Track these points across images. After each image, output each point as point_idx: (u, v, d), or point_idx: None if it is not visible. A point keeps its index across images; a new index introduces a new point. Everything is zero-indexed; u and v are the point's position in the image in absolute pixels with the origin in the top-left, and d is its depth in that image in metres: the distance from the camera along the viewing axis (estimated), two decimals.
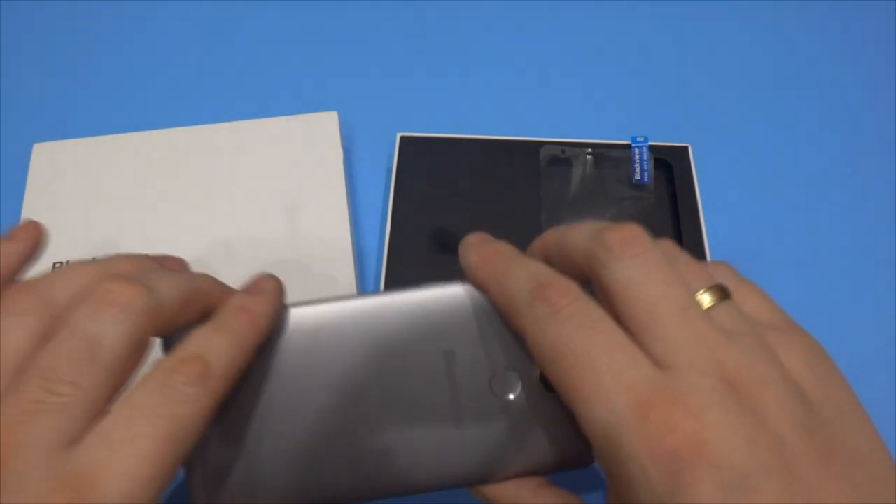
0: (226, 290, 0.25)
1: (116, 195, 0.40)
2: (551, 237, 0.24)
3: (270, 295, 0.24)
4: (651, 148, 0.42)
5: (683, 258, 0.22)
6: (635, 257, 0.20)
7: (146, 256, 0.25)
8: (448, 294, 0.24)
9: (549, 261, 0.24)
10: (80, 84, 0.49)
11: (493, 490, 0.24)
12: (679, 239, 0.39)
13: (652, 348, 0.19)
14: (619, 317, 0.20)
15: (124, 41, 0.51)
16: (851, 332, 0.39)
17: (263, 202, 0.40)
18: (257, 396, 0.24)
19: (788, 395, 0.18)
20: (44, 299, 0.21)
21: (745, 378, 0.18)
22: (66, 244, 0.38)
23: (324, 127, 0.42)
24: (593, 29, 0.52)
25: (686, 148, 0.42)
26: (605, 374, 0.19)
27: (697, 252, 0.39)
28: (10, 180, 0.42)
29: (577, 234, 0.22)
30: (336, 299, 0.25)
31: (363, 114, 0.47)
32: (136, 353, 0.21)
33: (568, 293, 0.20)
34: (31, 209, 0.39)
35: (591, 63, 0.50)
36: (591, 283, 0.22)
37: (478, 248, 0.24)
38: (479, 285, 0.24)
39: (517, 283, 0.22)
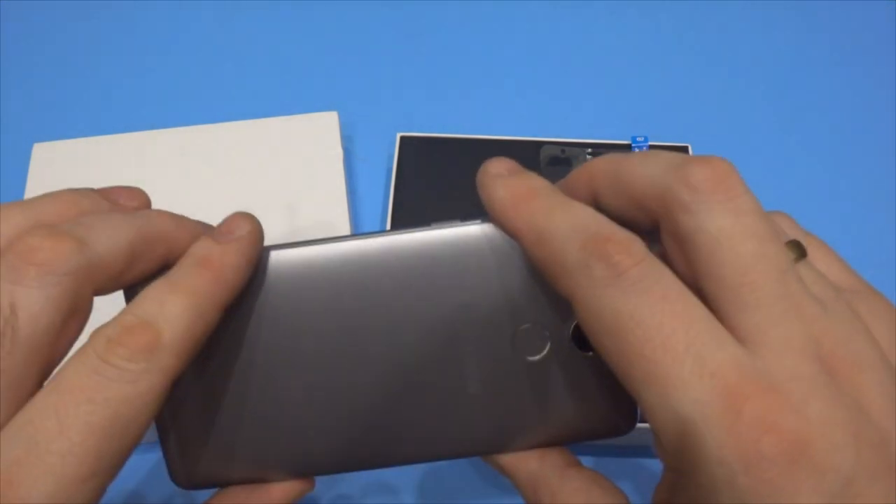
0: (192, 230, 0.20)
1: None
2: (602, 167, 0.20)
3: (243, 241, 0.19)
4: (651, 148, 0.42)
5: None
6: (729, 201, 0.17)
7: (90, 191, 0.20)
8: (463, 235, 0.20)
9: (598, 200, 0.20)
10: (80, 84, 0.49)
11: (511, 461, 0.21)
12: None
13: (737, 318, 0.16)
14: (697, 275, 0.17)
15: (124, 41, 0.51)
16: None
17: (263, 202, 0.40)
18: (237, 355, 0.20)
19: (887, 377, 0.16)
20: None
21: (843, 358, 0.16)
22: None
23: (324, 127, 0.42)
24: (593, 29, 0.52)
25: (686, 148, 0.42)
26: (683, 353, 0.15)
27: None
28: (10, 180, 0.42)
29: (648, 166, 0.18)
30: (329, 240, 0.21)
31: (363, 114, 0.47)
32: (69, 322, 0.17)
33: (634, 250, 0.16)
34: None
35: (591, 63, 0.50)
36: (661, 232, 0.18)
37: (507, 182, 0.19)
38: (509, 230, 0.19)
39: (563, 234, 0.17)
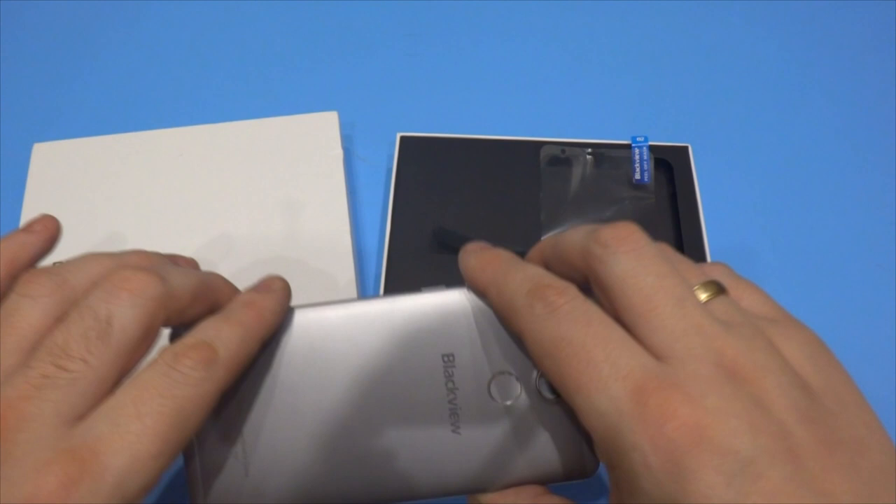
0: (234, 289, 0.26)
1: (116, 195, 0.40)
2: (547, 243, 0.25)
3: (277, 293, 0.25)
4: (651, 148, 0.42)
5: (679, 258, 0.22)
6: (630, 252, 0.21)
7: (158, 253, 0.26)
8: (447, 298, 0.25)
9: (548, 266, 0.24)
10: (80, 84, 0.49)
11: (491, 498, 0.24)
12: (679, 239, 0.39)
13: (649, 339, 0.19)
14: (616, 311, 0.20)
15: (124, 41, 0.51)
16: (852, 333, 0.39)
17: (263, 202, 0.40)
18: (258, 396, 0.24)
19: (789, 382, 0.18)
20: (60, 282, 0.21)
21: (744, 366, 0.18)
22: (67, 244, 0.38)
23: (324, 127, 0.42)
24: (593, 29, 0.52)
25: (686, 148, 0.42)
26: (601, 363, 0.19)
27: (697, 252, 0.39)
28: (10, 180, 0.42)
29: (573, 235, 0.23)
30: (338, 302, 0.25)
31: (363, 114, 0.47)
32: (146, 337, 0.21)
33: (565, 292, 0.21)
34: (31, 209, 0.39)
35: (591, 63, 0.50)
36: (590, 283, 0.22)
37: (476, 253, 0.24)
38: (478, 289, 0.24)
39: (515, 286, 0.22)
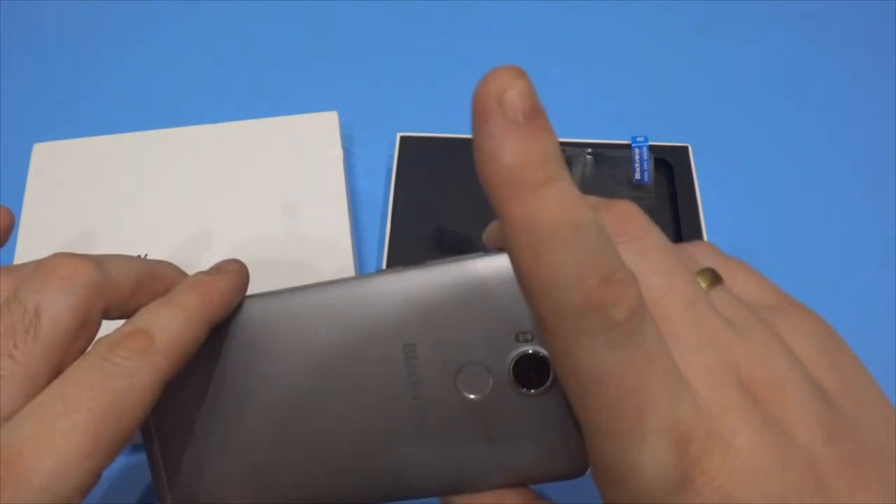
0: (185, 276, 0.24)
1: (116, 195, 0.40)
2: None
3: (229, 275, 0.23)
4: (651, 148, 0.42)
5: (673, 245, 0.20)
6: (633, 242, 0.18)
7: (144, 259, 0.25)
8: (406, 280, 0.21)
9: None
10: (80, 84, 0.49)
11: (468, 501, 0.22)
12: (679, 239, 0.39)
13: None
14: None
15: (124, 41, 0.51)
16: (851, 333, 0.39)
17: (263, 202, 0.40)
18: (215, 389, 0.22)
19: (808, 394, 0.17)
20: (15, 278, 0.20)
21: (761, 378, 0.17)
22: (66, 244, 0.38)
23: (324, 127, 0.42)
24: (593, 29, 0.52)
25: (686, 148, 0.42)
26: (650, 412, 0.15)
27: None
28: (10, 180, 0.42)
29: None
30: (298, 289, 0.23)
31: (363, 114, 0.47)
32: (82, 329, 0.20)
33: (629, 298, 0.15)
34: (31, 209, 0.39)
35: (591, 63, 0.50)
36: None
37: (520, 138, 0.15)
38: (500, 217, 0.16)
39: (569, 267, 0.15)
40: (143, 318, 0.20)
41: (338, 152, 0.42)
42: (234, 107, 0.47)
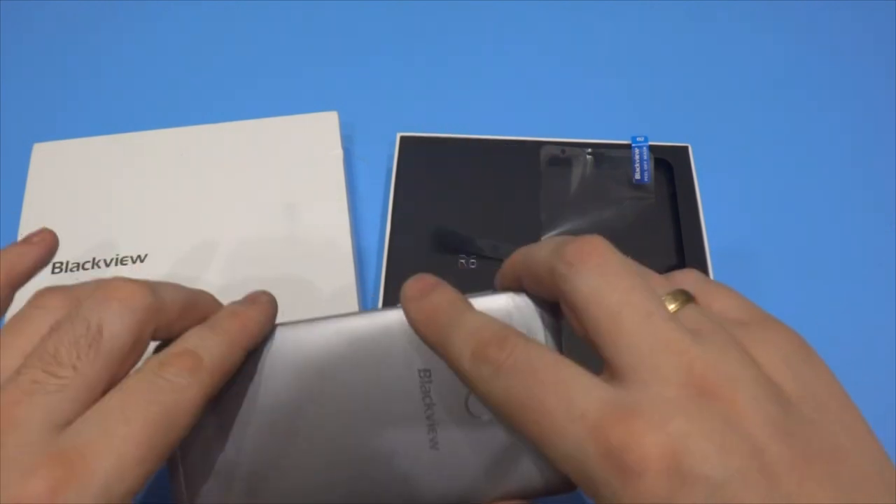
0: (221, 306, 0.26)
1: (116, 195, 0.40)
2: (518, 257, 0.24)
3: (263, 305, 0.25)
4: (651, 148, 0.42)
5: (647, 271, 0.21)
6: (596, 267, 0.20)
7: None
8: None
9: (520, 281, 0.24)
10: (80, 84, 0.49)
11: None
12: (679, 239, 0.39)
13: (616, 361, 0.19)
14: (586, 332, 0.20)
15: (124, 41, 0.51)
16: (851, 333, 0.39)
17: (263, 202, 0.40)
18: (241, 412, 0.24)
19: (762, 394, 0.18)
20: (70, 296, 0.22)
21: (713, 379, 0.18)
22: (66, 244, 0.38)
23: (324, 127, 0.42)
24: (593, 29, 0.52)
25: (686, 148, 0.42)
26: (555, 410, 0.18)
27: (697, 252, 0.39)
28: (10, 180, 0.42)
29: (540, 252, 0.22)
30: (320, 319, 0.25)
31: (363, 114, 0.47)
32: (136, 347, 0.21)
33: (505, 344, 0.20)
34: (31, 209, 0.39)
35: (592, 63, 0.50)
36: (560, 303, 0.22)
37: (417, 302, 0.23)
38: (427, 344, 0.23)
39: (458, 348, 0.21)
40: (192, 340, 0.22)
41: (338, 152, 0.42)
42: (234, 107, 0.47)
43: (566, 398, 0.18)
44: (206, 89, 0.49)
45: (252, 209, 0.40)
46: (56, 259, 0.37)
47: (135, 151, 0.42)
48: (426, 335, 0.22)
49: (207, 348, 0.22)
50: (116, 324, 0.21)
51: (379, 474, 0.23)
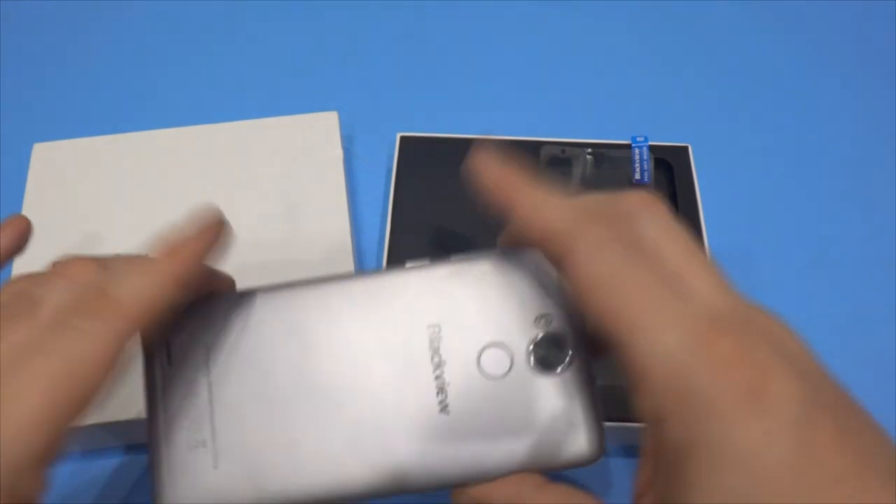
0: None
1: (116, 195, 0.40)
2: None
3: (201, 233, 0.23)
4: (651, 148, 0.42)
5: None
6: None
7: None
8: (432, 270, 0.23)
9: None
10: (80, 84, 0.49)
11: (483, 490, 0.21)
12: None
13: (697, 289, 0.19)
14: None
15: (124, 41, 0.51)
16: (852, 332, 0.39)
17: (263, 202, 0.40)
18: (231, 380, 0.22)
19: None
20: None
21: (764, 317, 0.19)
22: (66, 244, 0.38)
23: (324, 127, 0.42)
24: (594, 29, 0.52)
25: (686, 148, 0.42)
26: (669, 300, 0.18)
27: None
28: (10, 180, 0.42)
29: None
30: (313, 280, 0.24)
31: (363, 114, 0.47)
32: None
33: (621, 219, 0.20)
34: (31, 209, 0.39)
35: (591, 63, 0.50)
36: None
37: (492, 166, 0.23)
38: (498, 206, 0.22)
39: (559, 211, 0.21)
40: (108, 279, 0.20)
41: (338, 152, 0.42)
42: (234, 107, 0.47)
43: (681, 294, 0.18)
44: (206, 89, 0.49)
45: (252, 209, 0.40)
46: (56, 259, 0.37)
47: (135, 151, 0.42)
48: (504, 197, 0.22)
49: (126, 288, 0.19)
50: (56, 298, 0.20)
51: (384, 441, 0.21)
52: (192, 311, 0.24)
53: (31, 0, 0.53)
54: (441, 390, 0.22)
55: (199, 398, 0.22)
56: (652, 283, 0.18)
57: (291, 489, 0.21)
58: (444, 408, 0.21)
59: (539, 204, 0.21)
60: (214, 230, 0.23)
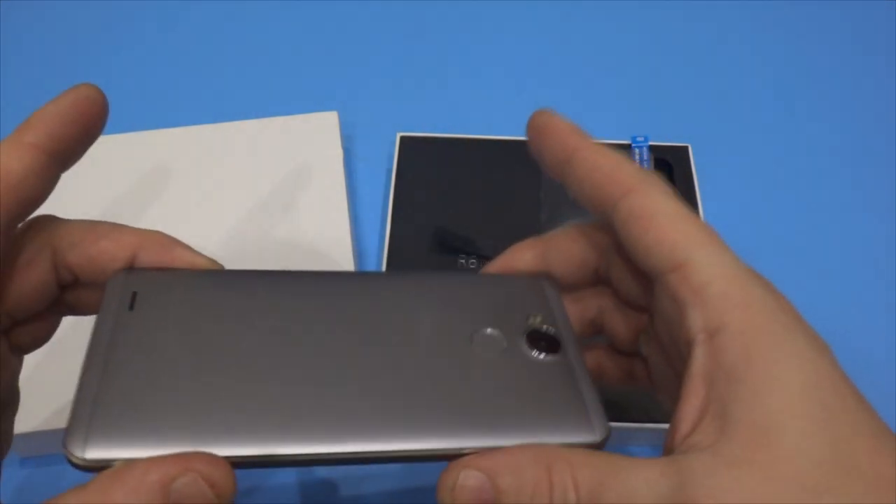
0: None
1: (116, 195, 0.40)
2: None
3: (60, 100, 0.23)
4: (651, 148, 0.42)
5: None
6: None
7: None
8: (427, 273, 0.24)
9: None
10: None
11: (481, 456, 0.19)
12: None
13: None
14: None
15: (124, 41, 0.51)
16: (852, 332, 0.39)
17: (263, 202, 0.40)
18: (194, 340, 0.21)
19: None
20: None
21: None
22: None
23: (324, 127, 0.42)
24: (594, 29, 0.52)
25: (686, 148, 0.42)
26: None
27: None
28: None
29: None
30: (307, 272, 0.24)
31: (363, 114, 0.47)
32: None
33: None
34: None
35: (591, 63, 0.50)
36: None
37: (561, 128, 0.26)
38: (559, 150, 0.25)
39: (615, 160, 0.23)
40: None
41: (338, 152, 0.42)
42: (234, 107, 0.47)
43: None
44: (206, 89, 0.49)
45: (252, 209, 0.40)
46: None
47: (135, 151, 0.42)
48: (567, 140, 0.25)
49: None
50: None
51: (373, 402, 0.20)
52: (172, 271, 0.23)
53: (32, 0, 0.53)
54: (432, 364, 0.21)
55: (153, 350, 0.20)
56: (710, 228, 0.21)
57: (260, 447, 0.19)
58: (436, 383, 0.21)
59: (604, 149, 0.23)
60: (77, 94, 0.23)
